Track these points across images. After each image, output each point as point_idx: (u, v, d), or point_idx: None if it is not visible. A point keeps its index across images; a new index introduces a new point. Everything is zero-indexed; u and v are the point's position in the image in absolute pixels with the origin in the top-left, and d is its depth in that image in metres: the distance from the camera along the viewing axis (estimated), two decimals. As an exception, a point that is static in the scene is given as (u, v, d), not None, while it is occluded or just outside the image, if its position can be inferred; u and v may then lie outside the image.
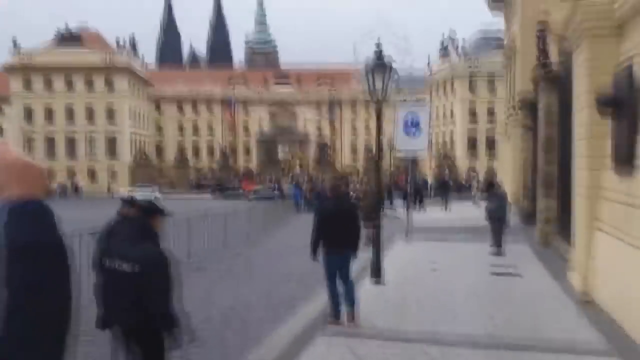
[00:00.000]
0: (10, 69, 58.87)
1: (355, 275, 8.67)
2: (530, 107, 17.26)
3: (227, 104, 67.96)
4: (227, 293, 8.77)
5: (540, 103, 14.25)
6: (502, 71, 35.81)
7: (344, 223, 6.59)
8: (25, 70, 58.59)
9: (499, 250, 11.94)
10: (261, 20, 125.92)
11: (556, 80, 12.98)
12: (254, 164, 68.46)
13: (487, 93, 58.47)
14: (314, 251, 6.56)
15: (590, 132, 7.69)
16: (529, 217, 17.26)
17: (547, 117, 13.60)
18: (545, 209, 13.47)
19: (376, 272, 8.77)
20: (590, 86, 7.49)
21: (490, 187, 15.92)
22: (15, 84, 59.08)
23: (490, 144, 55.88)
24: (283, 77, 76.17)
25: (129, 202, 3.67)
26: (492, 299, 7.83)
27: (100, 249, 3.59)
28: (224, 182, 53.35)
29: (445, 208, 26.26)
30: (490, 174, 42.56)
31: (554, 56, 14.51)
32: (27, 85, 59.12)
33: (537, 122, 15.05)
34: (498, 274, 9.76)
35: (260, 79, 75.07)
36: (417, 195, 25.67)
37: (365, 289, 8.17)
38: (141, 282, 3.34)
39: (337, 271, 6.58)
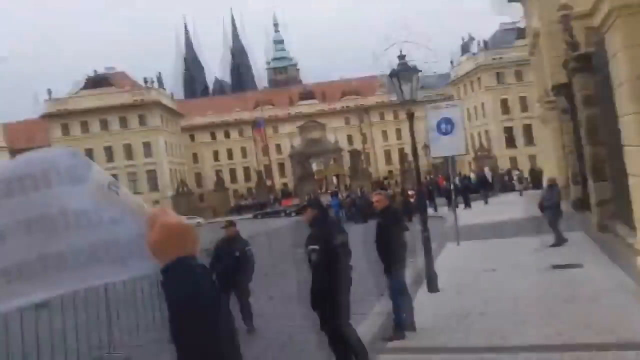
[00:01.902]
0: (48, 117, 61.17)
1: (408, 285, 8.45)
2: (565, 92, 16.67)
3: (256, 126, 68.65)
4: (281, 318, 8.65)
5: (576, 87, 13.70)
6: (528, 58, 34.92)
7: (402, 232, 6.83)
8: (62, 116, 60.77)
9: (558, 240, 11.43)
10: (278, 41, 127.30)
11: (589, 64, 12.46)
12: (290, 181, 68.74)
13: (516, 82, 57.09)
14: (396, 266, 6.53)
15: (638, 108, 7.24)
16: (580, 202, 16.57)
17: (585, 99, 13.04)
18: (598, 192, 12.84)
19: (430, 279, 8.50)
20: (631, 63, 7.10)
21: (536, 177, 15.45)
22: (54, 131, 61.28)
23: (528, 133, 54.36)
24: (307, 94, 76.55)
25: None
26: (558, 297, 7.45)
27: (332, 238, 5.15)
28: (263, 203, 53.64)
29: (485, 202, 26.00)
30: (535, 165, 41.33)
31: (581, 40, 14.00)
32: (65, 130, 61.24)
33: (575, 104, 14.49)
34: (559, 267, 9.32)
35: (285, 98, 75.65)
36: (464, 194, 25.41)
37: (420, 299, 7.91)
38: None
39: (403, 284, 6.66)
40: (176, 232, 0.99)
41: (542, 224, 12.15)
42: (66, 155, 1.13)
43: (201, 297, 0.94)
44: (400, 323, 6.47)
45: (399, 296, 6.55)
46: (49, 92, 61.56)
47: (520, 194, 30.31)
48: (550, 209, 11.67)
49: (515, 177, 35.07)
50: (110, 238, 1.05)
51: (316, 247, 4.98)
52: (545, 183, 13.66)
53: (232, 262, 7.37)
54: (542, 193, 12.52)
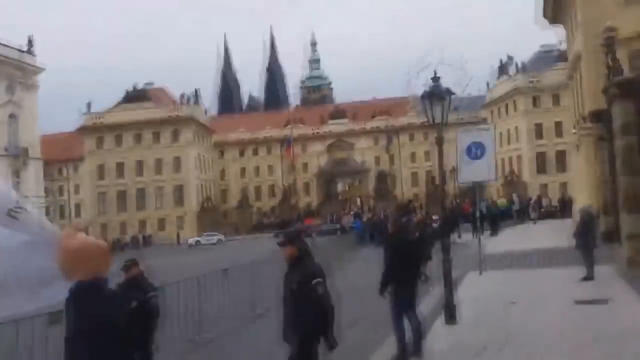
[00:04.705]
0: (84, 130, 62.66)
1: (426, 314, 8.13)
2: (602, 118, 16.16)
3: (285, 144, 69.03)
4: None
5: (615, 113, 13.24)
6: (566, 84, 34.15)
7: (410, 257, 6.59)
8: (97, 129, 62.20)
9: (589, 274, 10.86)
10: (314, 60, 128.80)
11: (630, 90, 12.05)
12: (314, 201, 68.59)
13: (552, 107, 55.88)
14: (384, 288, 6.47)
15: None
16: (611, 234, 15.92)
17: (624, 127, 12.58)
18: (630, 225, 12.29)
19: (449, 310, 8.16)
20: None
21: (563, 205, 14.86)
22: (89, 144, 62.69)
23: (561, 160, 53.05)
24: (339, 113, 76.74)
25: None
26: (581, 335, 7.03)
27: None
28: (285, 221, 53.79)
29: (491, 233, 24.00)
30: (564, 192, 40.09)
31: (624, 65, 13.58)
32: (99, 143, 62.58)
33: (612, 132, 14.01)
34: (583, 303, 8.84)
35: (316, 116, 75.98)
36: (491, 220, 24.66)
37: (437, 330, 7.60)
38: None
39: (406, 308, 6.45)
40: (83, 253, 0.98)
41: (572, 255, 11.60)
42: None
43: (103, 322, 0.92)
44: (403, 347, 6.31)
45: (398, 318, 6.40)
46: (88, 105, 62.98)
47: (534, 223, 29.16)
48: (584, 239, 11.08)
49: (531, 204, 33.34)
50: (19, 265, 0.98)
51: (320, 280, 4.66)
52: (578, 211, 13.09)
53: (126, 315, 4.98)
54: (575, 222, 11.94)
